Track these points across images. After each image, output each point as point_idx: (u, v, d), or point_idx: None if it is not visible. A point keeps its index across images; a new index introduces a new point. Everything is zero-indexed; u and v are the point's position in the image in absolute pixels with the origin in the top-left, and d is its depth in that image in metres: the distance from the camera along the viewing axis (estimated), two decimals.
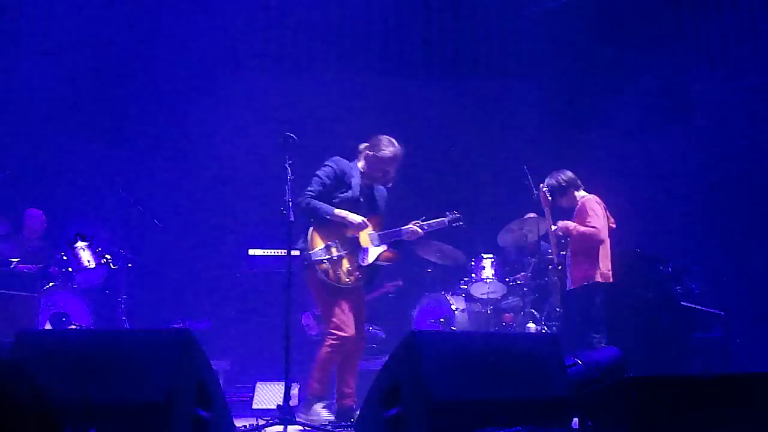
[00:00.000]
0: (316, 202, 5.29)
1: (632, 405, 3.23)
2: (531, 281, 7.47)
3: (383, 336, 8.03)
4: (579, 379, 4.24)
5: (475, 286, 7.72)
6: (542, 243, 7.42)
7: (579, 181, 6.30)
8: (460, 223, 5.74)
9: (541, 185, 6.33)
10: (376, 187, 5.60)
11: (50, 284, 7.05)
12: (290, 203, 4.98)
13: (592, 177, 6.56)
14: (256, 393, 6.56)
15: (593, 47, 8.73)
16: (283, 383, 4.80)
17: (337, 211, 5.32)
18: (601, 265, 6.04)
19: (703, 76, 8.17)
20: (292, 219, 4.97)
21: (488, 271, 7.70)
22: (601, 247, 6.07)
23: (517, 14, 8.93)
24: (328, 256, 5.27)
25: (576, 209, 6.21)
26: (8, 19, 8.16)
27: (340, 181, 5.41)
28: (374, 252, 5.44)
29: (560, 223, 6.18)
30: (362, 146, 5.55)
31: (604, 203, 6.24)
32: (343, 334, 5.25)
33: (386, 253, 5.49)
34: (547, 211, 6.33)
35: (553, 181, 6.26)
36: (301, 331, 7.44)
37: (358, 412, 5.21)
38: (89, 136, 8.46)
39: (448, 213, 5.73)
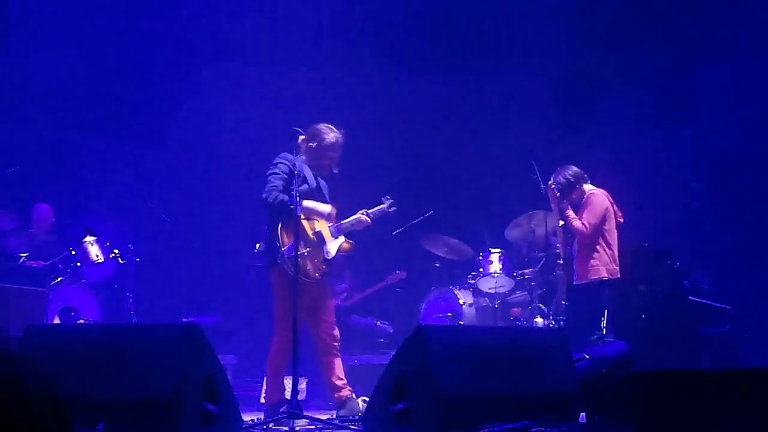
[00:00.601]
0: (284, 195, 5.19)
1: (639, 399, 3.23)
2: (539, 276, 7.46)
3: (390, 330, 8.04)
4: (586, 374, 4.23)
5: (483, 281, 7.72)
6: (551, 238, 7.42)
7: (585, 175, 6.28)
8: (395, 208, 5.76)
9: (549, 181, 6.31)
10: (319, 179, 5.60)
11: (59, 279, 7.08)
12: (298, 198, 4.98)
13: (600, 171, 6.54)
14: (264, 387, 6.57)
15: (600, 39, 8.69)
16: (291, 377, 4.82)
17: (305, 202, 5.28)
18: (608, 259, 6.03)
19: (711, 68, 8.13)
20: (299, 214, 4.98)
21: (496, 266, 7.69)
22: (607, 241, 6.05)
23: (524, 6, 8.89)
24: (299, 253, 5.25)
25: (581, 202, 6.21)
26: (13, 15, 8.17)
27: (295, 174, 5.40)
28: (334, 244, 5.45)
29: (567, 211, 6.17)
30: (300, 139, 5.46)
31: (612, 197, 6.22)
32: (287, 336, 5.10)
33: (345, 245, 5.51)
34: (554, 206, 6.32)
35: (561, 178, 6.23)
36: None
37: (359, 400, 5.23)
38: (97, 131, 8.49)
39: (383, 199, 5.76)
